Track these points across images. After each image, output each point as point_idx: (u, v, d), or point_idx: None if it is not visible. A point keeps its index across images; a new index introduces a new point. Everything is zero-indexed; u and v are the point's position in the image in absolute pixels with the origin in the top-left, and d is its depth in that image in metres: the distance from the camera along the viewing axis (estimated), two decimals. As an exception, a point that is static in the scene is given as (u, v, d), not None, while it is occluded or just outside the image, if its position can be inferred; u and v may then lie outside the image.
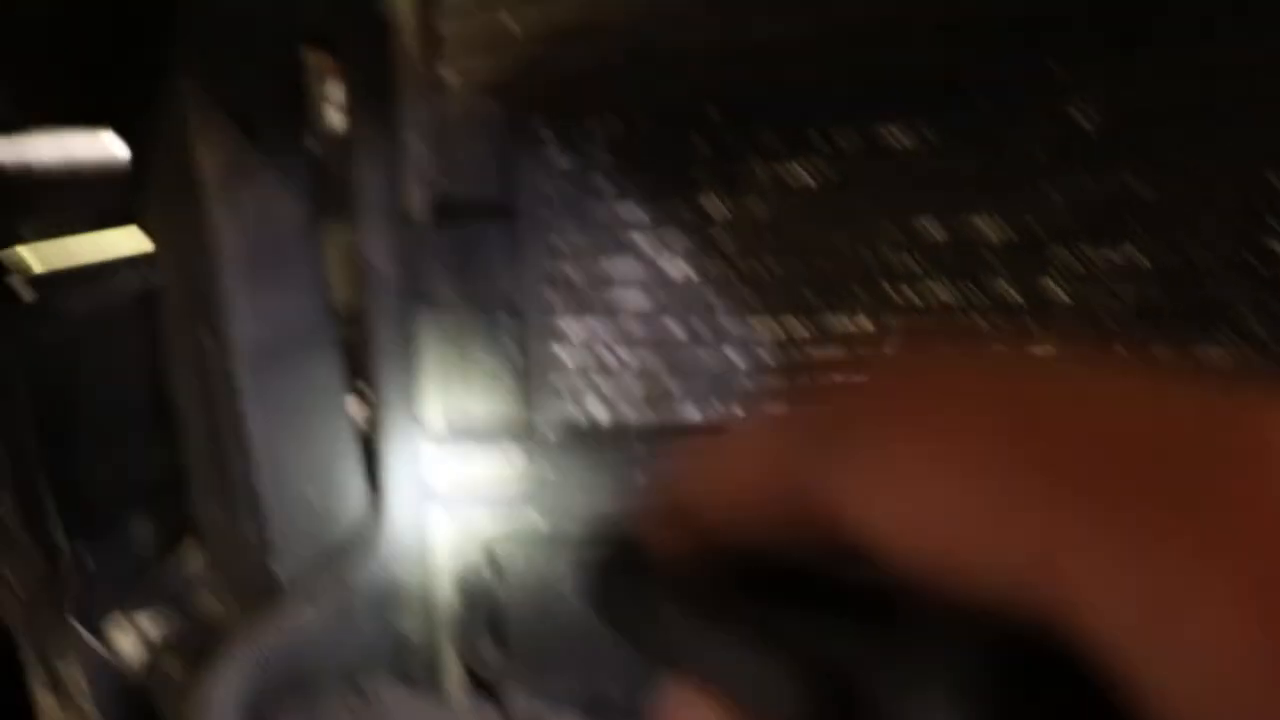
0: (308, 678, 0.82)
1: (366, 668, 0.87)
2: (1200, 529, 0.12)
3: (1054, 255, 0.69)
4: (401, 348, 0.84)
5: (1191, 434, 0.13)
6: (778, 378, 0.66)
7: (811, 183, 0.73)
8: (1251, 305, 0.65)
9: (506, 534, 0.87)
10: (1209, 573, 0.12)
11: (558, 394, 0.83)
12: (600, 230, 0.79)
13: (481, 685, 0.91)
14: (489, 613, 0.90)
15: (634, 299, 0.80)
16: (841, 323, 0.74)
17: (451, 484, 0.88)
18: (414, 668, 0.91)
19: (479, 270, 0.82)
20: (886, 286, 0.73)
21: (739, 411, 0.18)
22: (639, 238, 0.78)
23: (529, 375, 0.83)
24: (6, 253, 0.69)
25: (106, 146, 0.75)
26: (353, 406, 0.86)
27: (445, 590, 0.90)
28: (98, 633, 0.76)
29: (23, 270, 0.70)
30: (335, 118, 0.82)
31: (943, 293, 0.71)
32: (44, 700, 0.74)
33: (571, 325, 0.81)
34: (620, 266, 0.79)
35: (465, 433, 0.86)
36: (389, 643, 0.90)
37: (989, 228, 0.70)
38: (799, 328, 0.75)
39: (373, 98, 0.79)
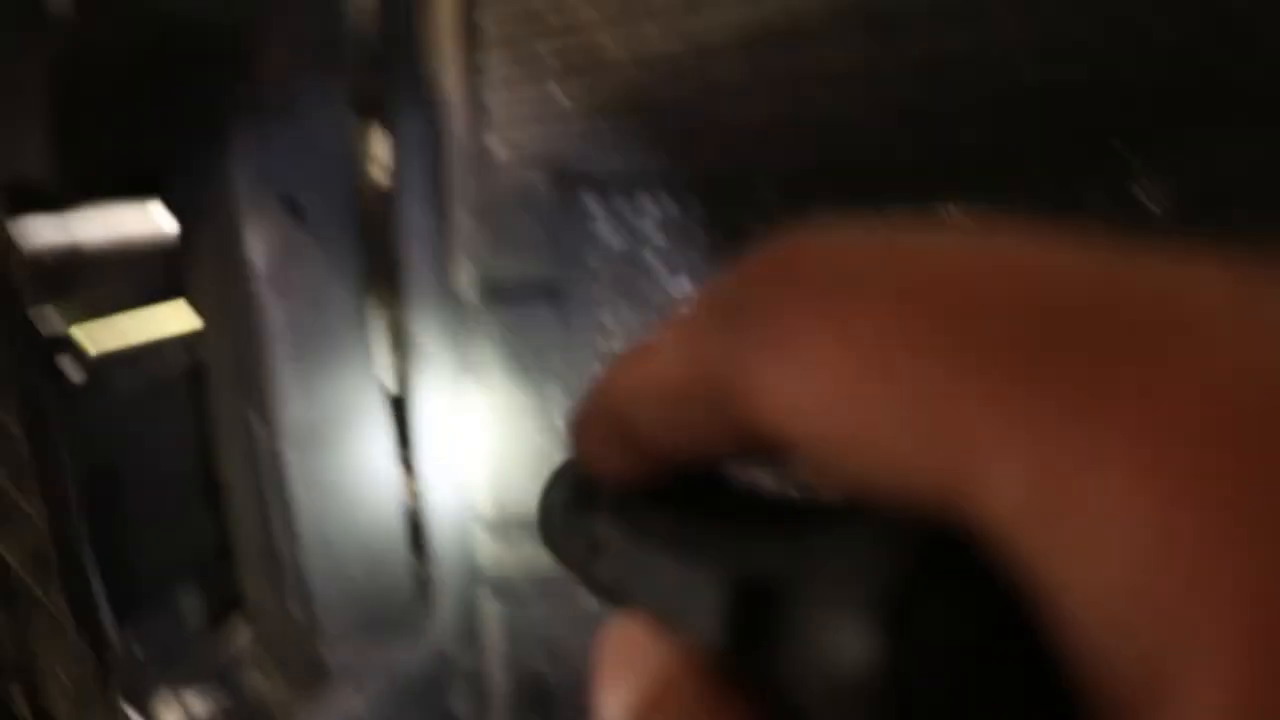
0: (352, 763, 0.81)
1: (414, 752, 0.85)
2: (1096, 398, 0.10)
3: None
4: (450, 427, 0.82)
5: (1097, 304, 0.11)
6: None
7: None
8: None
9: (558, 616, 0.84)
10: (1106, 441, 0.10)
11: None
12: (651, 308, 0.75)
13: (532, 774, 0.87)
14: (540, 696, 0.86)
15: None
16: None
17: (502, 565, 0.85)
18: (465, 752, 0.89)
19: (528, 348, 0.79)
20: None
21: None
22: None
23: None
24: (57, 332, 0.70)
25: (155, 220, 0.76)
26: (402, 485, 0.85)
27: (496, 673, 0.87)
28: (144, 710, 0.76)
29: (76, 351, 0.71)
30: (383, 193, 0.80)
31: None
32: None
33: (623, 406, 0.77)
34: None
35: (516, 514, 0.83)
36: (439, 725, 0.88)
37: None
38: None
39: (421, 172, 0.78)
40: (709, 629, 0.15)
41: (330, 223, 0.76)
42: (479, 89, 0.76)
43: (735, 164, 0.70)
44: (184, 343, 0.77)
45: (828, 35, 0.65)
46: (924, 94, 0.61)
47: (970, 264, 0.13)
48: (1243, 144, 0.55)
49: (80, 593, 0.69)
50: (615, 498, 0.19)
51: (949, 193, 0.61)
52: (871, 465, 0.12)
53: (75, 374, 0.70)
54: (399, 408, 0.82)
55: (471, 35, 0.75)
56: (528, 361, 0.80)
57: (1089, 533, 0.10)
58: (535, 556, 0.83)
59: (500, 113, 0.76)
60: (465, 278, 0.79)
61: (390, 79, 0.75)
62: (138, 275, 0.75)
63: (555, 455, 0.81)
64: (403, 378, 0.81)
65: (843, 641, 0.12)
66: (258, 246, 0.73)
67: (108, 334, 0.73)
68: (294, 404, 0.76)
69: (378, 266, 0.79)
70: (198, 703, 0.79)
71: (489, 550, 0.85)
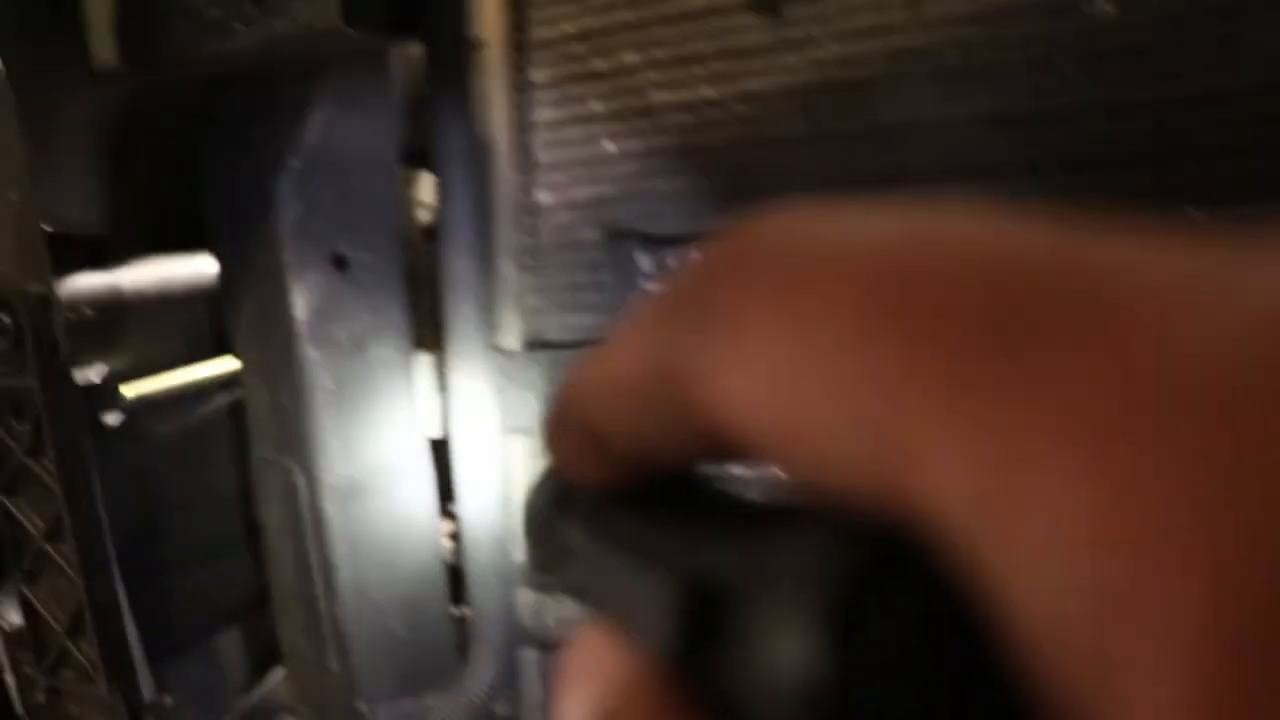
0: (389, 822, 0.79)
1: (452, 810, 0.83)
2: (1036, 394, 0.10)
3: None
4: (492, 478, 0.80)
5: (1044, 293, 0.11)
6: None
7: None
8: None
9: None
10: (1043, 439, 0.10)
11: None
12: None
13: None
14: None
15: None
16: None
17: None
18: (503, 808, 0.87)
19: (573, 401, 0.77)
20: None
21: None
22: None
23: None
24: (94, 381, 0.69)
25: (199, 271, 0.75)
26: (442, 537, 0.83)
27: (537, 729, 0.85)
28: (182, 764, 0.75)
29: (113, 396, 0.70)
30: (429, 243, 0.79)
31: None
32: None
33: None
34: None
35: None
36: (477, 781, 0.86)
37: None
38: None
39: (467, 221, 0.76)
40: (659, 633, 0.14)
41: (374, 274, 0.75)
42: (528, 138, 0.74)
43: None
44: (222, 383, 0.76)
45: (890, 88, 0.63)
46: (985, 151, 0.58)
47: (921, 253, 0.12)
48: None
49: (113, 644, 0.68)
50: (588, 502, 0.18)
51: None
52: (817, 462, 0.12)
53: (112, 419, 0.69)
54: (441, 458, 0.81)
55: (520, 84, 0.73)
56: (572, 414, 0.78)
57: (1030, 532, 0.10)
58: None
59: (549, 162, 0.74)
60: (510, 329, 0.77)
61: (438, 129, 0.74)
62: (181, 328, 0.74)
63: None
64: (445, 428, 0.80)
65: (785, 648, 0.12)
66: (301, 300, 0.72)
67: (146, 379, 0.72)
68: (335, 456, 0.75)
69: (422, 317, 0.78)
70: (234, 756, 0.78)
71: (529, 603, 0.83)
